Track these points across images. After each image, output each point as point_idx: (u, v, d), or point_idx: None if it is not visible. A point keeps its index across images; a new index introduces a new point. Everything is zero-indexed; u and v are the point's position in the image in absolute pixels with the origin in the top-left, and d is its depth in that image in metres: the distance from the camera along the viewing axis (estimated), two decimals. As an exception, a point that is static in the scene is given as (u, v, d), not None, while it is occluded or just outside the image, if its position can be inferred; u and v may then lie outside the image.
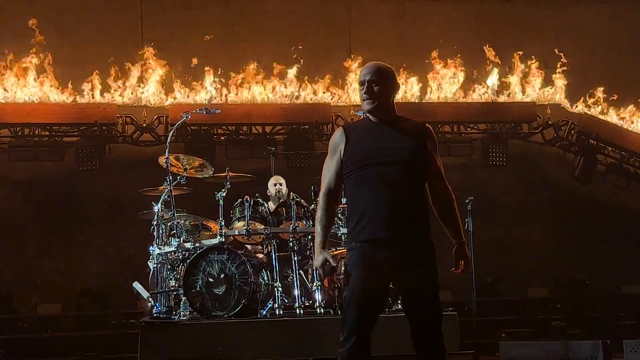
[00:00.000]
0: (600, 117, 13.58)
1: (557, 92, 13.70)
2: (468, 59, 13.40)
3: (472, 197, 8.75)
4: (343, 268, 4.83)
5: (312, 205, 8.05)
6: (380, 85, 4.62)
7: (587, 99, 13.66)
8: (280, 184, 8.87)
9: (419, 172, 4.67)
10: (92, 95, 12.66)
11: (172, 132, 8.60)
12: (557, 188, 13.97)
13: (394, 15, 13.87)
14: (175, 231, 7.94)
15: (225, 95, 12.91)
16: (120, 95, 12.77)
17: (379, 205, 4.57)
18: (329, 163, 4.78)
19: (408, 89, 13.22)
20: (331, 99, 13.19)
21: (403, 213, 4.58)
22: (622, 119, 13.62)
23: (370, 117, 4.76)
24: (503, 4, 13.96)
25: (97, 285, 12.75)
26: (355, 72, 12.25)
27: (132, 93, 12.83)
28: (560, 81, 13.58)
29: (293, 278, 7.82)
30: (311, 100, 13.10)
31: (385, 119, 4.70)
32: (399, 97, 12.41)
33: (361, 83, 4.68)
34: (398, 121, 4.76)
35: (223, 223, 7.78)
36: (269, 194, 8.84)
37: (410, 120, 4.80)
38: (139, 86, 12.82)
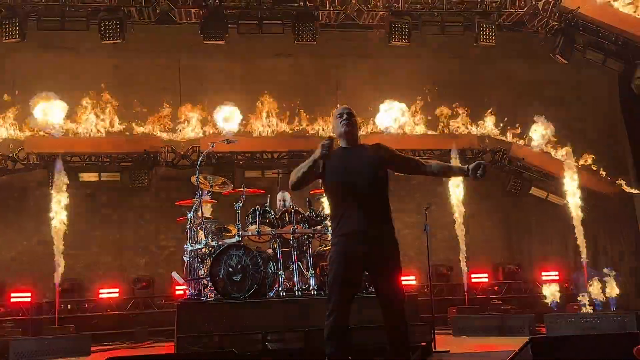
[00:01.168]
0: (525, 146, 13.56)
1: (492, 128, 13.66)
2: (427, 101, 13.40)
3: (429, 205, 8.72)
4: (329, 259, 4.78)
5: (307, 212, 8.04)
6: (354, 117, 4.81)
7: (515, 132, 13.64)
8: (284, 200, 8.82)
9: (380, 179, 4.70)
10: (143, 130, 12.65)
11: (201, 158, 8.58)
12: (494, 199, 13.97)
13: (372, 69, 13.83)
14: (203, 232, 7.92)
15: (243, 131, 12.83)
16: (163, 131, 12.72)
17: (353, 208, 4.58)
18: None
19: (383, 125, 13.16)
20: (323, 133, 13.15)
21: (371, 213, 4.59)
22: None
23: (342, 144, 4.82)
24: (452, 61, 13.93)
25: (145, 275, 12.70)
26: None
27: (173, 129, 12.80)
28: (492, 118, 13.51)
29: (293, 268, 7.79)
30: (308, 134, 13.05)
31: (353, 144, 4.77)
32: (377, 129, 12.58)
33: (340, 115, 4.82)
34: (361, 146, 4.83)
35: (240, 226, 7.75)
36: (277, 204, 8.82)
37: (369, 144, 4.87)
38: (178, 124, 12.79)
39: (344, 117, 4.77)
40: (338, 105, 12.93)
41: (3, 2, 10.96)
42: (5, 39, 11.09)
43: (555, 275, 13.40)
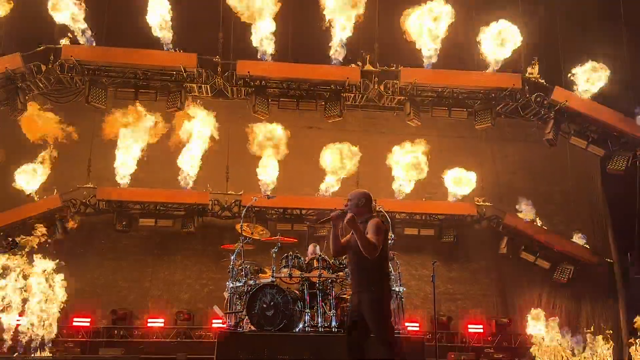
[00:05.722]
0: (519, 215, 13.51)
1: (489, 199, 13.65)
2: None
3: (435, 261, 8.67)
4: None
5: (332, 260, 8.04)
6: (349, 201, 4.96)
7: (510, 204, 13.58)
8: (316, 252, 8.74)
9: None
10: (195, 185, 12.82)
11: (245, 209, 8.71)
12: (491, 259, 13.80)
13: (388, 142, 13.80)
14: (243, 273, 7.96)
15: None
16: (211, 187, 12.92)
17: (350, 273, 4.89)
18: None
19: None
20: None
21: (356, 280, 4.85)
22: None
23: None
24: (455, 139, 13.97)
25: (187, 309, 12.65)
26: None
27: (220, 185, 13.00)
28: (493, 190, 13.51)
29: (317, 308, 7.75)
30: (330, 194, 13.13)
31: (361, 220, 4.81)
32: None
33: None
34: (364, 221, 4.83)
35: (274, 269, 7.79)
36: (309, 253, 8.80)
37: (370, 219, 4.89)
38: (225, 180, 13.00)
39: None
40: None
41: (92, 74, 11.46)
42: (91, 103, 11.51)
43: (540, 330, 13.09)
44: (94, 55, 11.38)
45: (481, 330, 13.10)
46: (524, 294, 13.76)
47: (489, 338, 13.05)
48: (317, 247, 8.76)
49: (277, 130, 12.44)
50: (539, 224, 13.41)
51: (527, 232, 13.48)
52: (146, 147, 12.27)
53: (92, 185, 12.39)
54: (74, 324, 11.80)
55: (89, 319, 11.88)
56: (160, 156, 12.46)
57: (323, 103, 12.22)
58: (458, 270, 13.32)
